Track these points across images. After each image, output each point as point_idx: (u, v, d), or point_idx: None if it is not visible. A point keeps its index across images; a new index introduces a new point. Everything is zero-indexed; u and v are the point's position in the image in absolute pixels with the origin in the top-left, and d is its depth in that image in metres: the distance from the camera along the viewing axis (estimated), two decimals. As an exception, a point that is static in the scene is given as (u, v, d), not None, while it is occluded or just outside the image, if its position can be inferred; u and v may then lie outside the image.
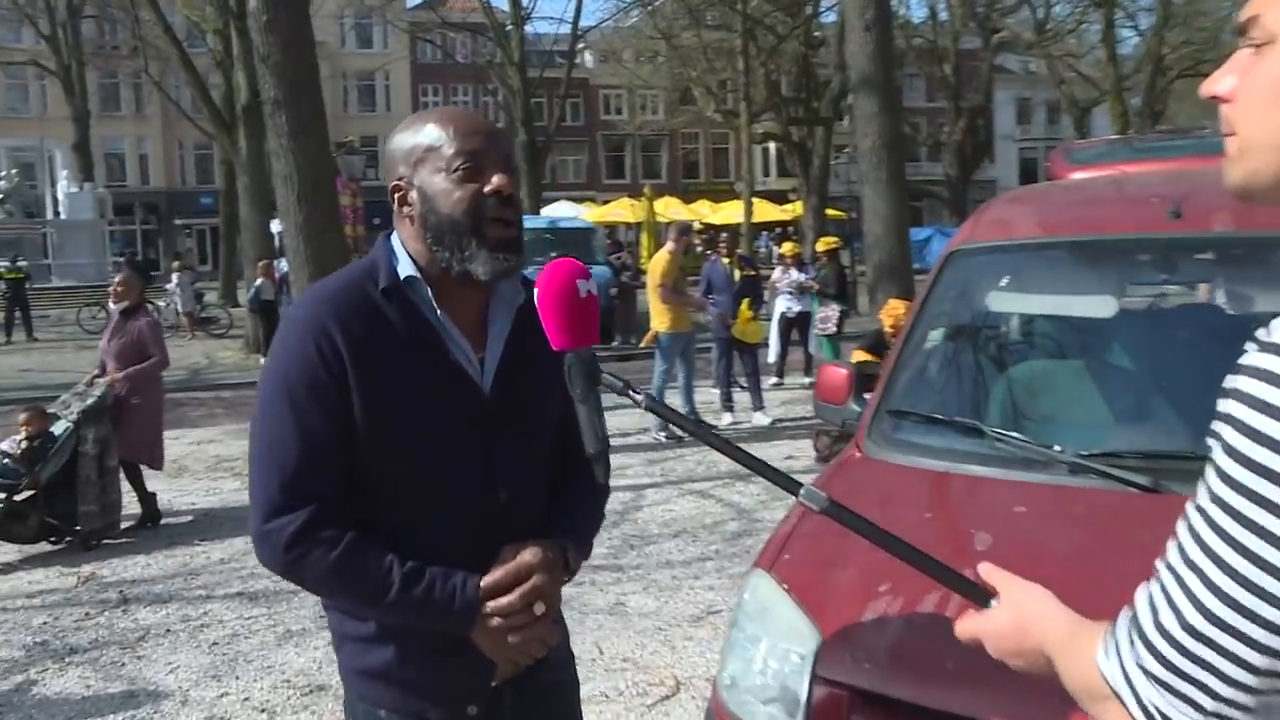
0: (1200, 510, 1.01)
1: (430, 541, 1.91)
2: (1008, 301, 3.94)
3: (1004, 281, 3.87)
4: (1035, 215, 3.98)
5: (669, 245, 11.05)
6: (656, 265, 10.94)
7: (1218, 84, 1.12)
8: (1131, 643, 1.07)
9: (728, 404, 11.47)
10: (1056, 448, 2.93)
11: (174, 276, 25.67)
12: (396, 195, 1.93)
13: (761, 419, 11.35)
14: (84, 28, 42.14)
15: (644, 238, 32.45)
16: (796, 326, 14.21)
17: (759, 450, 10.01)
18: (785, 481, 1.68)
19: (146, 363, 7.93)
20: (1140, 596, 1.09)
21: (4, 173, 41.74)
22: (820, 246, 14.74)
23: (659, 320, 10.82)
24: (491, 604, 1.88)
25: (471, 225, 1.86)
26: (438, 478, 1.91)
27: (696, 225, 41.73)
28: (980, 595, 1.49)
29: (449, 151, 1.87)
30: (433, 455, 1.90)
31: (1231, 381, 1.00)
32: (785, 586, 2.68)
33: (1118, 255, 3.58)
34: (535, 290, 1.71)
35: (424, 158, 1.89)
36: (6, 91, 50.82)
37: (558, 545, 2.00)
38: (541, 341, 1.70)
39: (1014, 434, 3.09)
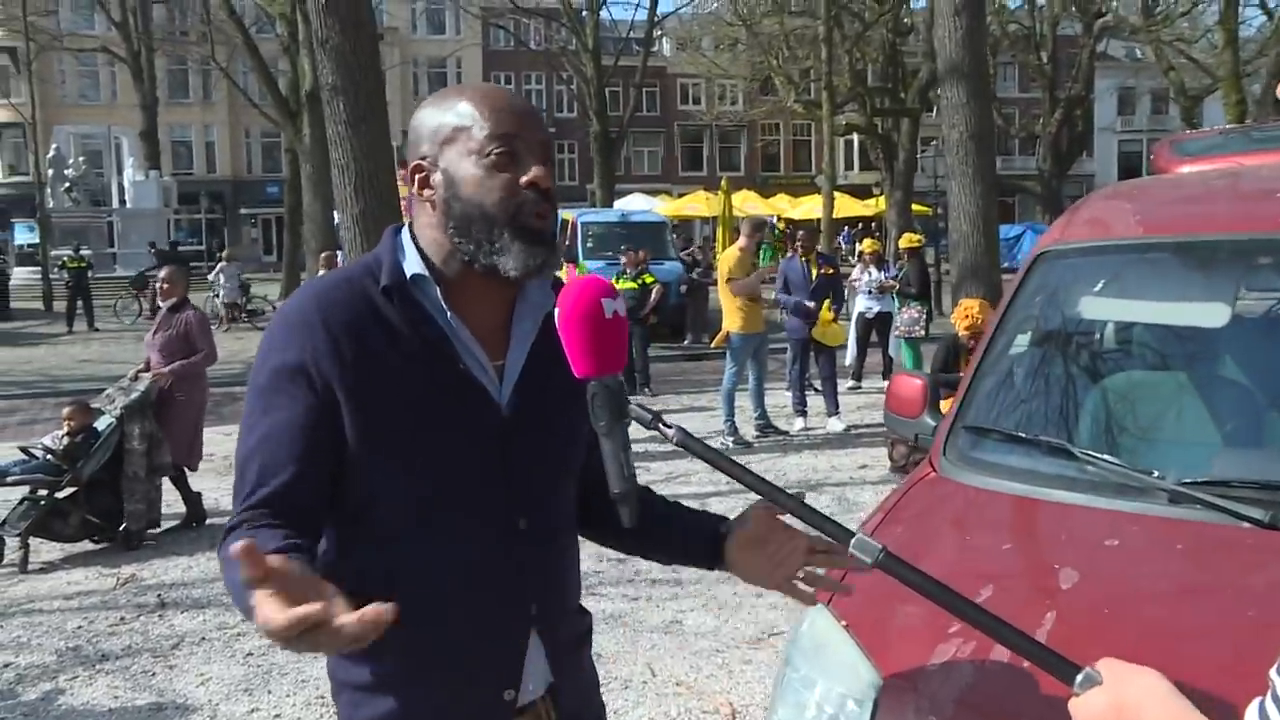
0: None
1: (438, 578, 1.73)
2: (1103, 308, 3.69)
3: (1099, 286, 3.63)
4: (1136, 213, 3.72)
5: (741, 241, 10.87)
6: (726, 261, 10.78)
7: None
8: None
9: (801, 409, 11.26)
10: (1155, 474, 2.70)
11: (220, 268, 26.14)
12: (417, 176, 1.76)
13: (836, 425, 11.12)
14: (154, 14, 43.02)
15: (720, 232, 32.29)
16: (876, 328, 13.96)
17: (833, 458, 9.83)
18: (834, 530, 1.50)
19: (194, 357, 7.93)
20: (1251, 711, 0.91)
21: (71, 160, 42.62)
22: (903, 243, 14.46)
23: (730, 320, 10.64)
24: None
25: (504, 217, 1.69)
26: (446, 503, 1.73)
27: (775, 220, 41.72)
28: (1067, 670, 1.30)
29: (482, 134, 1.70)
30: (439, 477, 1.72)
31: None
32: (844, 623, 2.50)
33: (1232, 257, 3.32)
34: (556, 310, 1.56)
35: (453, 137, 1.72)
36: (77, 79, 51.94)
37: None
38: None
39: (1107, 457, 2.87)
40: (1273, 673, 0.90)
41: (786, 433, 10.82)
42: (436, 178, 1.73)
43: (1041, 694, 2.18)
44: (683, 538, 2.03)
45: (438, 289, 1.73)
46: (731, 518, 2.02)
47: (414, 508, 1.72)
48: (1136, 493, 2.70)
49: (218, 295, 25.60)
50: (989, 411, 3.42)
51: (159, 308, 8.59)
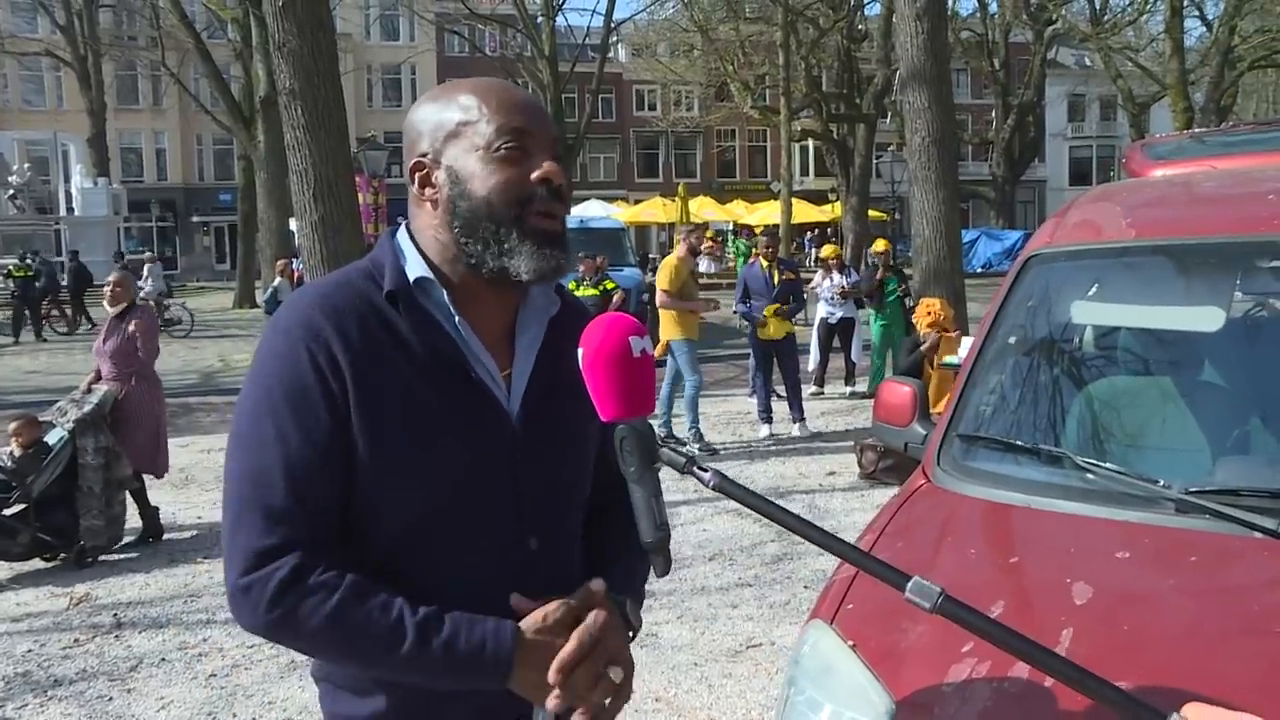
0: None
1: (443, 599, 1.59)
2: (1096, 312, 3.62)
3: (1092, 290, 3.56)
4: (1127, 215, 3.65)
5: (679, 250, 10.79)
6: (664, 270, 10.67)
7: None
8: None
9: (766, 416, 11.16)
10: (1161, 483, 2.62)
11: (146, 267, 26.55)
12: (418, 175, 1.66)
13: (800, 431, 11.04)
14: (101, 17, 42.42)
15: (676, 238, 32.28)
16: (838, 333, 13.90)
17: (800, 465, 9.76)
18: (891, 576, 1.37)
19: (144, 351, 7.75)
20: None
21: (16, 167, 41.97)
22: (880, 247, 14.40)
23: (667, 329, 10.55)
24: (555, 656, 1.56)
25: (514, 214, 1.59)
26: (454, 520, 1.62)
27: (732, 226, 41.77)
28: (1150, 717, 1.19)
29: (489, 128, 1.61)
30: (448, 493, 1.61)
31: None
32: (851, 644, 2.39)
33: (1228, 260, 3.26)
34: (581, 351, 1.46)
35: (457, 132, 1.62)
36: (21, 83, 51.14)
37: (615, 601, 1.68)
38: (578, 359, 1.44)
39: (1110, 465, 2.79)
40: None
41: (684, 441, 10.59)
42: (439, 176, 1.63)
43: (1062, 713, 2.09)
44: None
45: (445, 292, 1.63)
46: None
47: (420, 525, 1.61)
48: (1143, 502, 2.63)
49: (143, 290, 25.58)
50: (982, 419, 3.33)
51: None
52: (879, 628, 2.44)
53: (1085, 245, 3.61)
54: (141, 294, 24.89)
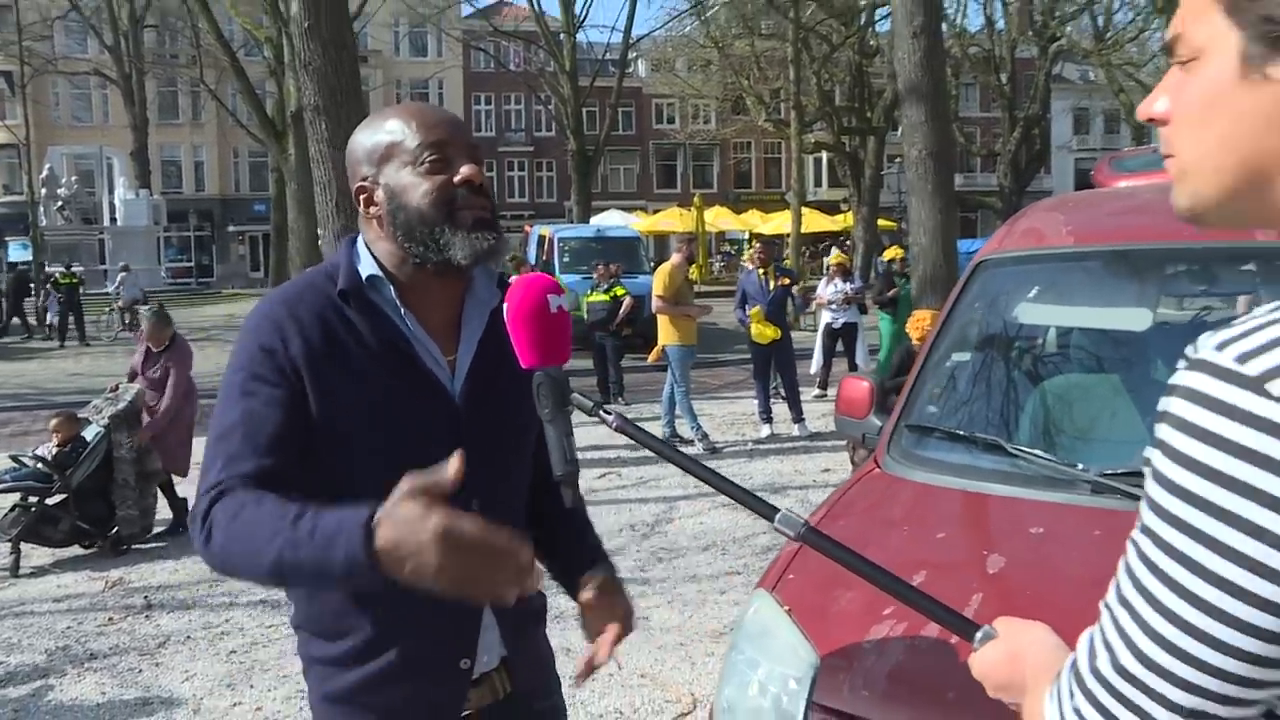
0: (1133, 542, 0.92)
1: None
2: (1037, 313, 3.80)
3: (1033, 292, 3.74)
4: (1068, 224, 3.82)
5: (674, 258, 10.99)
6: (659, 277, 10.85)
7: (1153, 106, 1.05)
8: (1071, 691, 0.99)
9: (766, 416, 11.33)
10: (1080, 466, 2.80)
11: (120, 276, 27.22)
12: (362, 197, 1.85)
13: (800, 431, 11.20)
14: (145, 38, 42.96)
15: (697, 247, 32.39)
16: (842, 337, 14.03)
17: (797, 463, 9.91)
18: (759, 506, 1.57)
19: (169, 398, 8.01)
20: (1083, 639, 1.01)
21: (64, 180, 42.49)
22: (893, 254, 14.54)
23: (665, 334, 10.73)
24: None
25: (444, 214, 1.77)
26: None
27: (747, 235, 41.80)
28: (965, 627, 1.38)
29: (413, 144, 1.79)
30: (398, 464, 1.78)
31: (1164, 404, 0.90)
32: (787, 608, 2.58)
33: (1153, 266, 3.43)
34: (504, 306, 1.62)
35: (388, 154, 1.81)
36: (70, 101, 51.72)
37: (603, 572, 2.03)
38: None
39: (1035, 451, 2.96)
40: (1101, 604, 0.98)
41: (692, 441, 10.72)
42: (379, 194, 1.81)
43: (964, 667, 2.27)
44: (565, 564, 2.11)
45: (392, 288, 1.81)
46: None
47: (376, 492, 1.78)
48: (1064, 485, 2.79)
49: (118, 298, 26.54)
50: (930, 411, 3.51)
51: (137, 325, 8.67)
52: (814, 595, 2.62)
53: (1029, 251, 3.77)
54: (118, 302, 25.62)
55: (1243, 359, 0.85)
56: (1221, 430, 0.84)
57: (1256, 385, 0.84)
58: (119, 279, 27.27)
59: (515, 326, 1.61)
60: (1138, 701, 0.91)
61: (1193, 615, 0.87)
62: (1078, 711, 0.97)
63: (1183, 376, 0.89)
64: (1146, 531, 0.90)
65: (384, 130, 1.82)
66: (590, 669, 1.98)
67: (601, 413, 1.62)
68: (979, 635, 1.33)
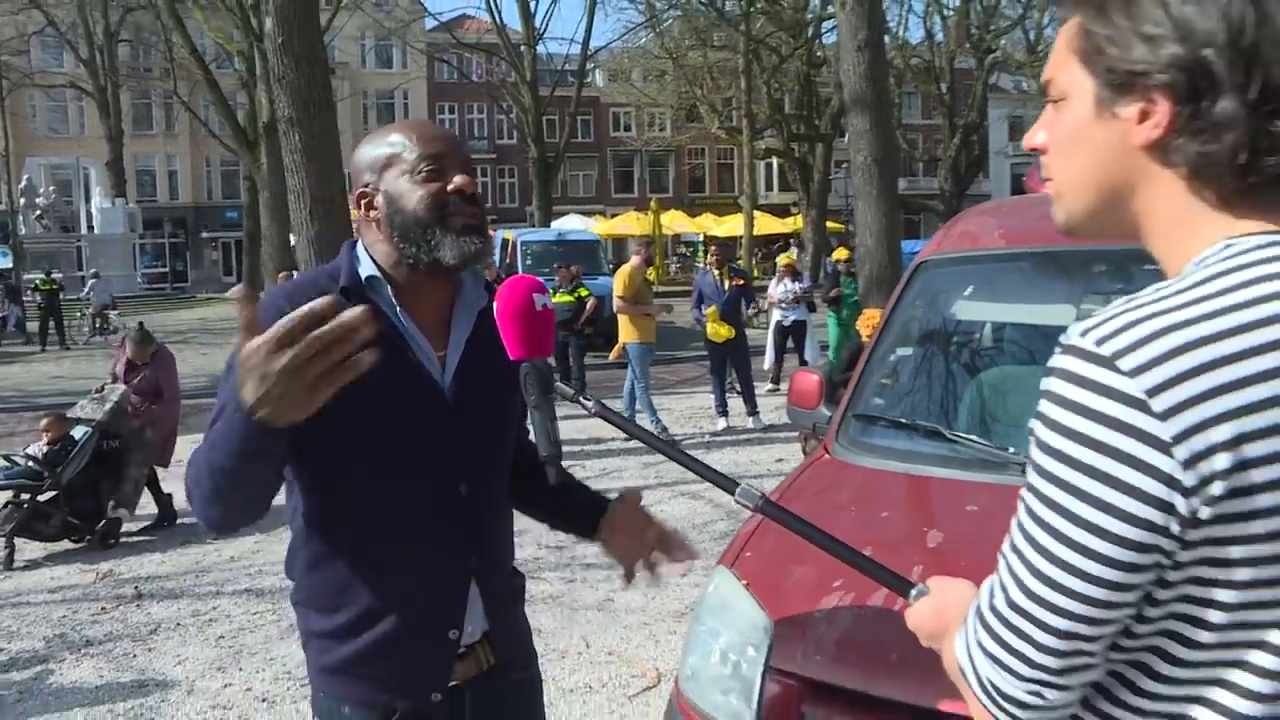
0: (1021, 499, 1.07)
1: (394, 533, 1.90)
2: (973, 310, 3.94)
3: (969, 291, 3.88)
4: (1000, 227, 3.96)
5: (632, 260, 11.11)
6: (619, 278, 10.96)
7: (1034, 138, 1.22)
8: (974, 628, 1.14)
9: (722, 410, 11.46)
10: (1011, 449, 2.93)
11: (90, 283, 27.19)
12: (363, 201, 1.93)
13: (754, 424, 11.34)
14: (120, 51, 42.59)
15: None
16: (791, 334, 14.17)
17: (752, 454, 10.03)
18: (721, 480, 1.68)
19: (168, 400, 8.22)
20: (984, 585, 1.15)
21: (42, 189, 42.05)
22: (841, 255, 14.70)
23: (625, 333, 10.84)
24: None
25: (436, 218, 1.86)
26: (399, 470, 1.89)
27: (702, 238, 41.97)
28: (902, 585, 1.50)
29: (412, 156, 1.88)
30: (393, 448, 1.88)
31: (1043, 382, 1.05)
32: (745, 582, 2.69)
33: (1077, 265, 3.57)
34: (494, 305, 1.73)
35: (389, 163, 1.90)
36: (48, 113, 51.09)
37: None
38: (503, 344, 1.72)
39: (971, 437, 3.10)
40: (999, 554, 1.11)
41: (674, 439, 10.85)
42: (379, 199, 1.91)
43: (906, 630, 2.39)
44: (572, 509, 2.25)
45: (389, 288, 1.91)
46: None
47: (372, 476, 1.89)
48: (997, 466, 2.92)
49: (88, 304, 26.41)
50: (875, 402, 3.64)
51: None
52: (769, 570, 2.73)
53: (965, 253, 3.91)
54: (89, 308, 25.52)
55: (1100, 342, 1.00)
56: (1082, 399, 1.00)
57: (1109, 363, 0.99)
58: (89, 285, 27.19)
59: (504, 322, 1.72)
60: (1026, 630, 1.06)
61: (1065, 553, 1.02)
62: (980, 644, 1.12)
63: (1056, 359, 1.04)
64: (1030, 489, 1.05)
65: (386, 143, 1.92)
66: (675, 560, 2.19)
67: (581, 400, 1.74)
68: (914, 592, 1.45)
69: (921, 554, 2.64)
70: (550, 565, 6.49)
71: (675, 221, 41.53)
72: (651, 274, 13.89)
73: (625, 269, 11.04)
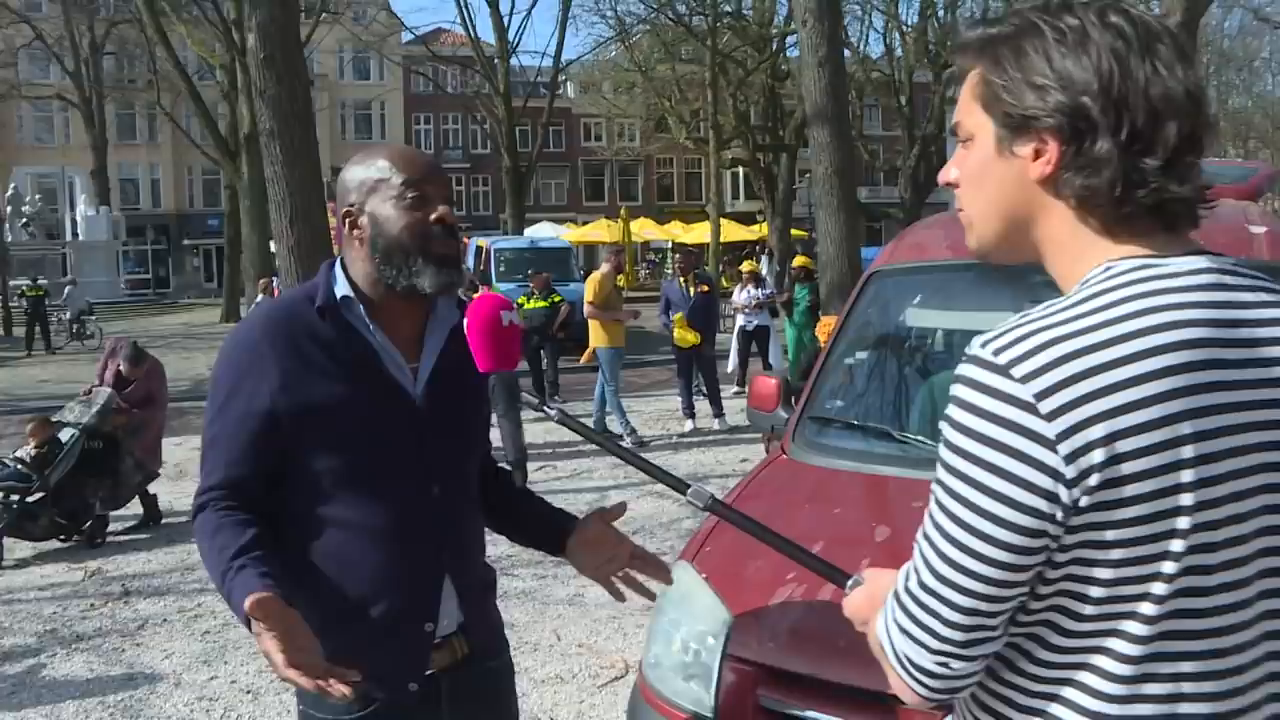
0: (932, 492, 1.18)
1: (371, 533, 1.96)
2: (921, 317, 4.04)
3: (918, 299, 3.97)
4: (947, 239, 4.04)
5: (603, 267, 11.19)
6: (590, 285, 11.03)
7: (948, 174, 1.32)
8: (892, 609, 1.24)
9: (689, 412, 11.54)
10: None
11: (66, 290, 27.09)
12: (348, 220, 1.98)
13: (720, 425, 11.42)
14: (105, 64, 42.34)
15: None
16: (755, 338, 14.23)
17: (717, 454, 10.11)
18: (674, 482, 1.75)
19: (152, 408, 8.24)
20: (901, 570, 1.25)
21: (29, 198, 41.70)
22: (798, 263, 14.80)
23: (595, 337, 10.91)
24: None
25: (419, 246, 1.91)
26: (372, 475, 1.95)
27: (670, 244, 42.03)
28: (839, 577, 1.57)
29: (399, 182, 1.93)
30: (369, 457, 1.94)
31: (951, 388, 1.15)
32: (704, 576, 2.77)
33: (1019, 275, 3.65)
34: (465, 321, 1.79)
35: (375, 187, 1.95)
36: (34, 124, 50.66)
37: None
38: (472, 357, 1.79)
39: (920, 437, 3.19)
40: (914, 541, 1.20)
41: (621, 436, 10.90)
42: (363, 220, 1.96)
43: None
44: (536, 525, 2.29)
45: (362, 307, 1.97)
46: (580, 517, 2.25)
47: (350, 479, 1.95)
48: (941, 465, 3.00)
49: (65, 310, 26.28)
50: (830, 404, 3.73)
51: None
52: (727, 564, 2.81)
53: (914, 263, 4.00)
54: (65, 315, 25.49)
55: (997, 353, 1.12)
56: (978, 402, 1.11)
57: (1004, 370, 1.10)
58: (65, 292, 26.97)
59: (474, 338, 1.79)
60: (934, 607, 1.16)
61: (966, 539, 1.12)
62: (896, 621, 1.22)
63: (961, 367, 1.15)
64: (938, 482, 1.16)
65: (374, 167, 1.97)
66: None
67: (545, 409, 1.81)
68: (850, 582, 1.53)
69: (870, 547, 2.72)
70: (523, 562, 6.54)
71: (644, 229, 41.54)
72: (622, 280, 13.90)
73: (596, 276, 11.11)
